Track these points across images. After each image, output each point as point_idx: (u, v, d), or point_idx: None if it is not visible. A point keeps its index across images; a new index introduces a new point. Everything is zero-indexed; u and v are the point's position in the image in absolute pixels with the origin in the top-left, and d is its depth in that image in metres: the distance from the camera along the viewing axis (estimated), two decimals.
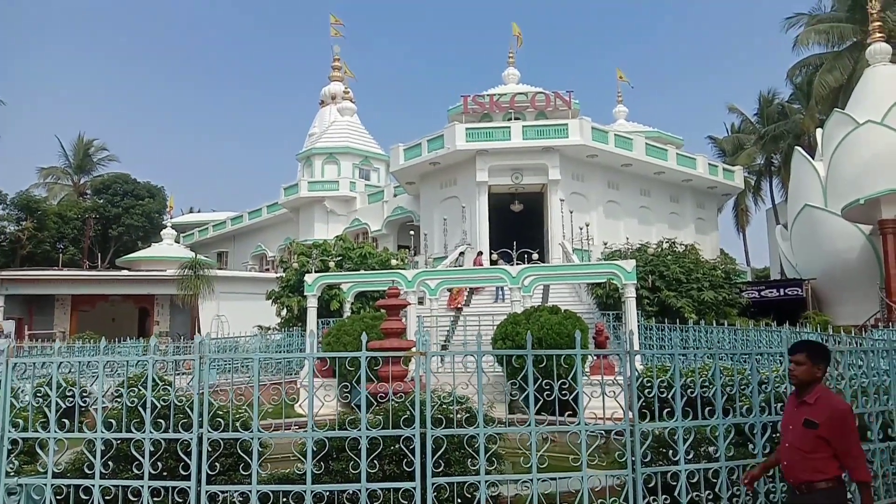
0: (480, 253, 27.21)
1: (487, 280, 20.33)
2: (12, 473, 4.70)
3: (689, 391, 4.91)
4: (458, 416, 4.74)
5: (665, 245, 23.77)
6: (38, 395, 4.92)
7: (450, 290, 23.18)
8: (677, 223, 33.57)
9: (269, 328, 24.04)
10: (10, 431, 4.74)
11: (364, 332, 5.14)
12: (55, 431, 4.66)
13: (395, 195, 37.72)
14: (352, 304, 20.33)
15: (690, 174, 33.10)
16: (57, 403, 4.70)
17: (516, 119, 30.79)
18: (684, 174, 32.96)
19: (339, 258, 23.93)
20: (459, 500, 4.44)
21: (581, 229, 27.28)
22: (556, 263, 24.50)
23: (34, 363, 4.99)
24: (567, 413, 4.95)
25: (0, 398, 4.75)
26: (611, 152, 29.76)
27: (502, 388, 7.47)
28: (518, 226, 29.16)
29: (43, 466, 4.66)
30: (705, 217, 36.15)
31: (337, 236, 27.05)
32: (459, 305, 22.77)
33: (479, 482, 4.44)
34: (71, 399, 4.97)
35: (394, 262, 24.16)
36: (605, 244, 25.64)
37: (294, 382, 16.03)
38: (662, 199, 33.64)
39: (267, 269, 40.31)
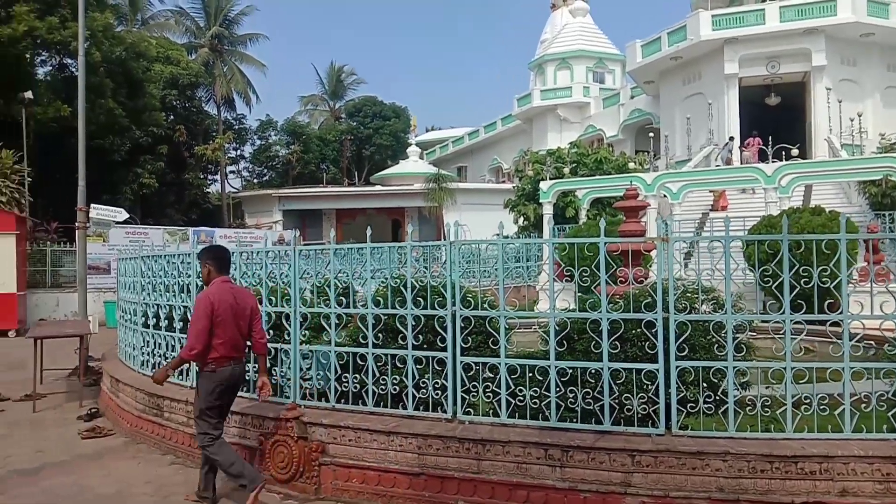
0: (750, 141, 24.94)
1: (738, 181, 18.89)
2: (304, 342, 5.59)
3: None
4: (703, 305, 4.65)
5: None
6: (320, 279, 5.73)
7: (713, 192, 21.98)
8: None
9: (507, 236, 24.92)
10: (300, 307, 5.61)
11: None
12: (335, 307, 5.42)
13: (631, 97, 36.04)
14: (587, 210, 20.21)
15: None
16: (335, 285, 5.45)
17: None
18: None
19: (574, 165, 23.75)
20: (705, 385, 4.40)
21: (852, 121, 23.92)
22: (821, 160, 21.87)
23: (315, 251, 5.78)
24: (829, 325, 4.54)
25: (291, 280, 5.62)
26: (892, 28, 25.32)
27: (752, 297, 7.06)
28: (774, 121, 26.34)
29: (327, 337, 5.47)
30: None
31: (571, 143, 26.76)
32: (725, 205, 21.58)
33: (727, 367, 4.34)
34: (345, 283, 5.73)
35: (631, 165, 23.38)
36: (882, 136, 22.26)
37: (533, 288, 16.58)
38: None
39: (503, 181, 41.32)
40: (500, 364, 4.77)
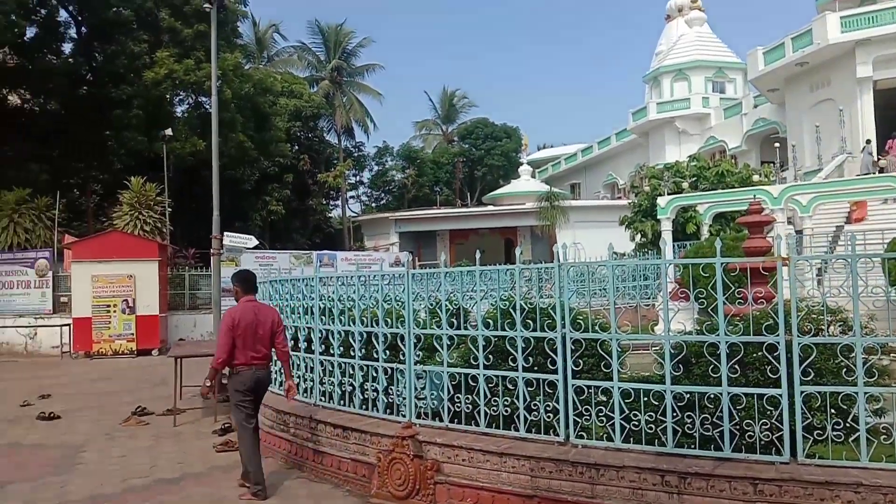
0: (891, 143, 23.19)
1: (872, 191, 17.53)
2: (418, 362, 5.77)
3: None
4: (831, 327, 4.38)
5: None
6: (432, 301, 5.90)
7: (853, 203, 20.42)
8: None
9: (622, 254, 24.32)
10: (414, 329, 5.79)
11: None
12: (446, 329, 5.56)
13: (755, 106, 34.38)
14: (709, 226, 19.42)
15: None
16: (446, 307, 5.59)
17: None
18: None
19: (694, 179, 22.91)
20: (833, 411, 4.14)
21: None
22: None
23: (427, 275, 5.96)
24: None
25: (406, 303, 5.83)
26: None
27: (892, 314, 6.51)
28: None
29: (440, 357, 5.61)
30: None
31: (690, 156, 25.85)
32: (860, 217, 20.02)
33: (857, 393, 4.08)
34: (456, 305, 5.87)
35: (756, 178, 22.25)
36: None
37: (653, 308, 16.08)
38: None
39: (619, 197, 40.46)
40: (613, 388, 4.71)
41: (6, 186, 23.05)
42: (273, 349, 6.11)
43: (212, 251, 14.49)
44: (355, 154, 48.84)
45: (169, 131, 24.61)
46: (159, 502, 5.73)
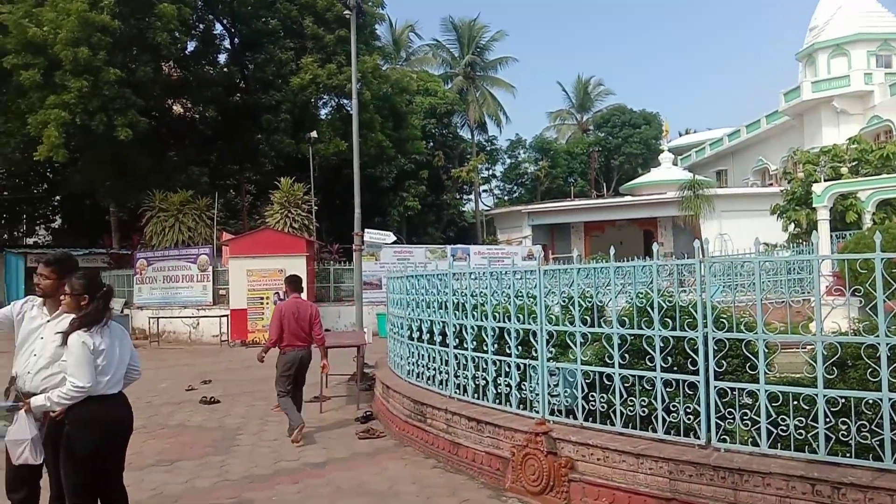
0: None
1: None
2: (551, 358, 5.75)
3: None
4: None
5: None
6: (564, 297, 5.85)
7: None
8: None
9: (774, 245, 22.81)
10: (546, 325, 5.78)
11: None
12: (580, 326, 5.49)
13: None
14: (873, 214, 17.78)
15: None
16: (579, 304, 5.52)
17: None
18: None
19: (854, 163, 21.07)
20: None
21: None
22: None
23: (559, 270, 5.92)
24: None
25: (538, 299, 5.82)
26: None
27: None
28: None
29: (573, 355, 5.56)
30: None
31: (850, 139, 23.75)
32: None
33: None
34: (590, 301, 5.78)
35: None
36: None
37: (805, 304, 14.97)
38: None
39: (770, 184, 37.89)
40: (759, 391, 4.46)
41: (172, 189, 25.37)
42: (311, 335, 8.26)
43: (354, 247, 15.20)
44: (488, 148, 49.07)
45: (314, 133, 25.98)
46: (307, 485, 6.11)
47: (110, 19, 21.49)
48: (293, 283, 8.53)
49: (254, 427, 8.64)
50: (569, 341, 5.63)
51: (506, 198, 51.46)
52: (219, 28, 30.35)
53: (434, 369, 7.22)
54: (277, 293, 19.41)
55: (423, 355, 7.54)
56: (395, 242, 22.24)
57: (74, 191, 29.99)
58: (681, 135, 61.57)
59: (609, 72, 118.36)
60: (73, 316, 4.07)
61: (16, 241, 35.62)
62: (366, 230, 14.88)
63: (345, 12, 18.82)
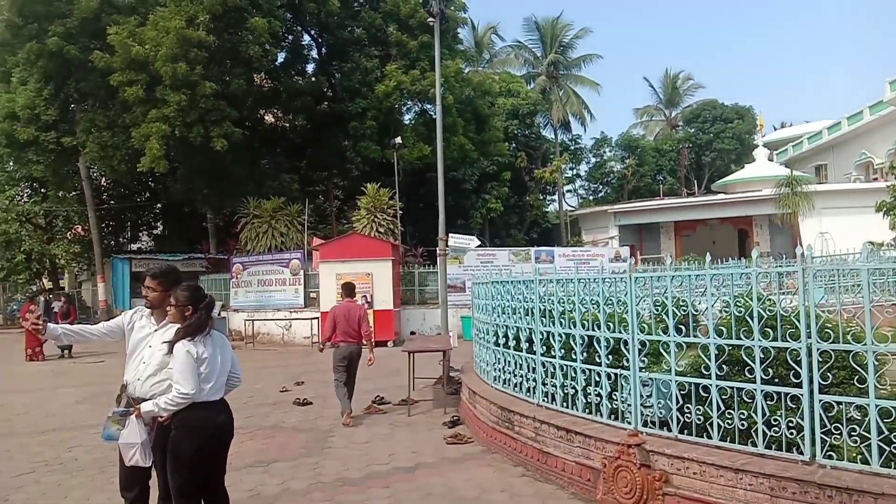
0: None
1: None
2: (643, 369, 5.60)
3: None
4: None
5: None
6: (657, 304, 5.68)
7: None
8: None
9: (881, 244, 21.41)
10: (638, 334, 5.64)
11: None
12: (674, 335, 5.33)
13: None
14: None
15: None
16: (673, 313, 5.36)
17: None
18: None
19: None
20: None
21: None
22: None
23: (650, 277, 5.76)
24: None
25: (629, 306, 5.69)
26: None
27: None
28: None
29: (667, 365, 5.40)
30: None
31: None
32: None
33: None
34: (684, 309, 5.60)
35: None
36: None
37: None
38: None
39: (874, 179, 35.63)
40: (868, 405, 4.19)
41: (265, 196, 26.36)
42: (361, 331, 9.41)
43: (438, 251, 15.35)
44: (572, 147, 48.41)
45: (398, 139, 26.41)
46: (397, 490, 6.20)
47: (206, 35, 22.57)
48: (347, 289, 9.90)
49: (345, 429, 8.84)
50: (662, 350, 5.47)
51: (591, 197, 50.63)
52: (307, 39, 31.35)
53: (521, 376, 7.18)
54: (365, 296, 19.85)
55: (509, 362, 7.51)
56: (478, 246, 22.30)
57: (174, 199, 31.68)
58: (776, 129, 58.80)
59: (698, 65, 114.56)
60: (178, 326, 4.29)
61: (121, 247, 37.91)
62: (450, 235, 15.00)
63: (428, 19, 19.04)
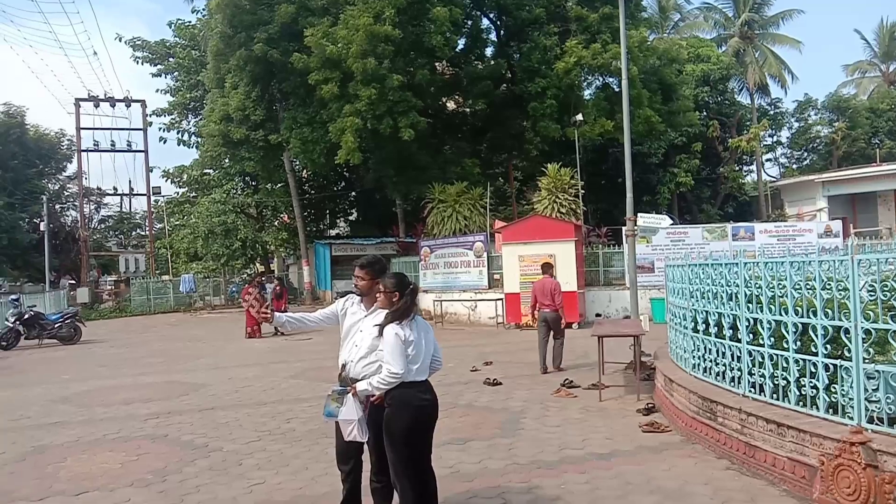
0: None
1: None
2: (868, 360, 5.06)
3: None
4: None
5: None
6: (885, 288, 5.09)
7: None
8: None
9: None
10: (862, 322, 5.10)
11: None
12: None
13: None
14: None
15: None
16: None
17: None
18: None
19: None
20: None
21: None
22: None
23: (878, 259, 5.16)
24: None
25: (851, 292, 5.16)
26: None
27: None
28: None
29: (895, 355, 4.84)
30: None
31: None
32: None
33: None
34: None
35: None
36: None
37: None
38: None
39: None
40: None
41: (448, 181, 27.16)
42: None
43: (626, 233, 14.86)
44: (771, 112, 44.55)
45: (579, 116, 25.91)
46: (594, 476, 6.16)
47: (391, 29, 23.60)
48: (545, 267, 12.81)
49: (536, 411, 8.93)
50: (890, 339, 4.91)
51: (794, 166, 46.41)
52: (485, 22, 31.62)
53: (723, 365, 6.79)
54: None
55: (709, 349, 7.13)
56: (670, 225, 21.34)
57: (367, 187, 33.71)
58: None
59: None
60: (386, 311, 4.60)
61: (322, 233, 41.14)
62: (639, 215, 14.40)
63: None
